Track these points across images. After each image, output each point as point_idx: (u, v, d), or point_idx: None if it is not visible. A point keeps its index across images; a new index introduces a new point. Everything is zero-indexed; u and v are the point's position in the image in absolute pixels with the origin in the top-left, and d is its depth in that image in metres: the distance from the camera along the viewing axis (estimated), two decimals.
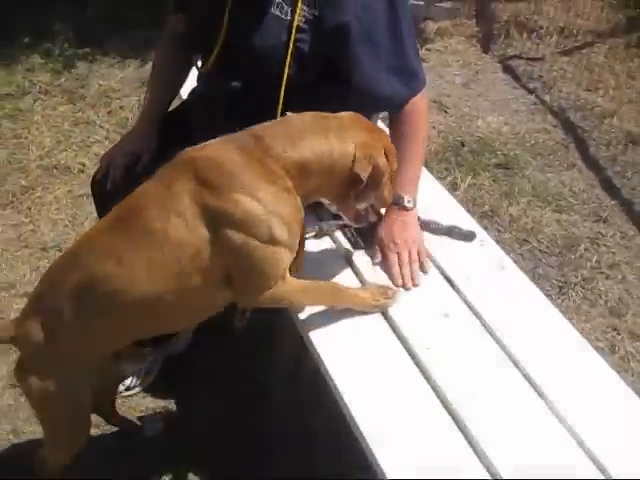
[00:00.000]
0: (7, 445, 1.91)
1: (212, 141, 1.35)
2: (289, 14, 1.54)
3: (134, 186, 1.37)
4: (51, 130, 3.20)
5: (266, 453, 1.81)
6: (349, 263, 1.62)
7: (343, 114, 1.40)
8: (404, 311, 1.48)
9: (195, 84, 1.84)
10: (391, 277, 1.56)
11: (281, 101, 1.57)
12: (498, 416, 1.26)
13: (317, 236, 1.67)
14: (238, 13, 1.57)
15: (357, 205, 1.42)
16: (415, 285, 1.55)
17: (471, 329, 1.45)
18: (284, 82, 1.57)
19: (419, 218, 1.67)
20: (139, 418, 1.95)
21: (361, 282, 1.56)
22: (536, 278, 2.35)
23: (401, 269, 1.56)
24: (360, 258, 1.62)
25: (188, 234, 1.27)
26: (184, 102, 1.97)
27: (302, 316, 1.47)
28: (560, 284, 2.36)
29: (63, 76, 3.64)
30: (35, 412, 1.58)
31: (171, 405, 2.01)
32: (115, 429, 1.88)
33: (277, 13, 1.55)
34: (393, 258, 1.57)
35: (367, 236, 1.65)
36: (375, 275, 1.57)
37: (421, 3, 4.13)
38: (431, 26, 4.13)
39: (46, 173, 2.93)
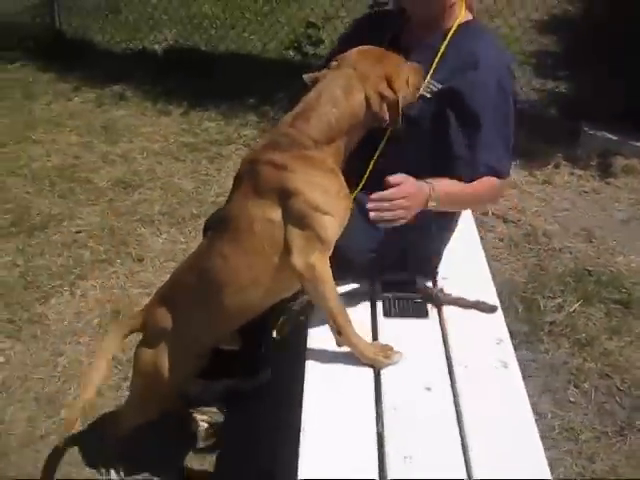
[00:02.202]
0: None
1: (260, 149, 1.78)
2: None
3: None
4: None
5: None
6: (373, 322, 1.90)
7: (351, 54, 1.79)
8: (394, 377, 1.73)
9: None
10: (371, 201, 1.71)
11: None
12: None
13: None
14: None
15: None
16: (384, 221, 1.72)
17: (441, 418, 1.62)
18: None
19: (450, 295, 1.93)
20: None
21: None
22: (601, 412, 2.40)
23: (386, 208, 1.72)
24: (385, 322, 1.90)
25: (266, 224, 1.70)
26: None
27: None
28: (623, 425, 2.38)
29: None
30: (132, 378, 2.02)
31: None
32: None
33: None
34: (388, 195, 1.72)
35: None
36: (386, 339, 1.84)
37: (614, 138, 4.25)
38: (619, 161, 4.20)
39: (216, 207, 3.51)
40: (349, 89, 1.73)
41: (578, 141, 4.27)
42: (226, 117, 4.58)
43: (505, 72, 1.94)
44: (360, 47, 1.83)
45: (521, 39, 5.84)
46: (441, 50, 1.91)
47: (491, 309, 1.95)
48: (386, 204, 1.71)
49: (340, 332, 1.74)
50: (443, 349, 1.83)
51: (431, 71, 1.90)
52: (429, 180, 1.81)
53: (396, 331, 1.88)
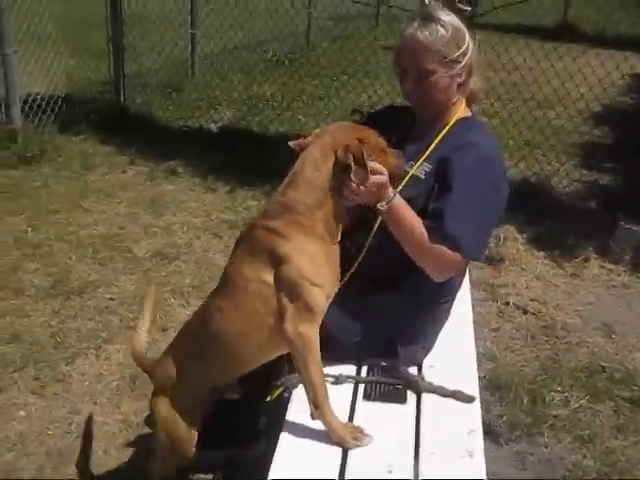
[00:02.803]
0: None
1: (258, 217, 1.95)
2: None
3: None
4: None
5: None
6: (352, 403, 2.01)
7: (330, 126, 1.96)
8: (360, 456, 1.83)
9: None
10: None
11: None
12: None
13: (336, 382, 2.08)
14: None
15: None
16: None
17: None
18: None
19: (430, 383, 2.03)
20: None
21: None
22: None
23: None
24: (363, 405, 2.01)
25: (259, 285, 1.85)
26: None
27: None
28: None
29: None
30: (158, 430, 2.14)
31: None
32: None
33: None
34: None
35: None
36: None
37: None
38: None
39: None
40: (326, 151, 1.88)
41: (613, 234, 4.31)
42: (268, 197, 4.82)
43: (496, 152, 2.07)
44: (339, 122, 2.03)
45: (573, 131, 5.98)
46: (437, 139, 2.06)
47: (469, 399, 2.02)
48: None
49: (316, 406, 1.86)
50: (414, 434, 1.91)
51: (424, 155, 2.05)
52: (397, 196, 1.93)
53: (372, 413, 1.97)
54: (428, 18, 2.02)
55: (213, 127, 6.11)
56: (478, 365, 3.11)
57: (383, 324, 2.13)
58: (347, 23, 10.42)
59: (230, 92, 7.15)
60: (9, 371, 3.03)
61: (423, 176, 2.03)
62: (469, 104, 2.20)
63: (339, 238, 1.94)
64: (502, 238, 4.18)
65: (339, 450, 1.84)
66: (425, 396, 2.06)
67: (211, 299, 2.04)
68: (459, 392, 2.04)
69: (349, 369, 2.15)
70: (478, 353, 3.20)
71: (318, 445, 1.85)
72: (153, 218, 4.53)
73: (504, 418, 2.83)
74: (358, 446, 1.84)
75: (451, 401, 2.04)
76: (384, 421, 1.95)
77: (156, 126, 6.19)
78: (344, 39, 9.72)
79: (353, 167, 1.82)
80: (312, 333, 1.84)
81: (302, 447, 1.85)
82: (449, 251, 1.95)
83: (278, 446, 1.85)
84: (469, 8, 5.35)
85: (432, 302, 2.18)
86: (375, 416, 1.97)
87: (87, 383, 2.98)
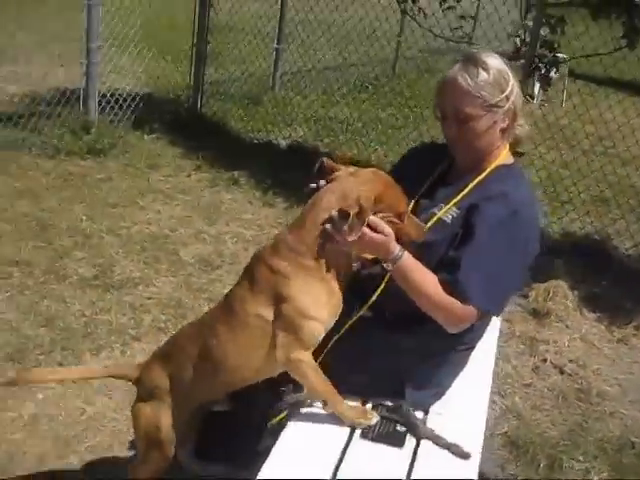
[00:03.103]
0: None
1: (266, 250, 1.94)
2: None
3: None
4: None
5: None
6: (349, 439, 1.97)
7: (361, 174, 1.93)
8: None
9: None
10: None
11: None
12: None
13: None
14: None
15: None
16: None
17: None
18: None
19: (432, 431, 1.98)
20: None
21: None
22: None
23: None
24: (359, 443, 1.97)
25: (259, 320, 1.89)
26: None
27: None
28: None
29: None
30: (136, 434, 2.17)
31: None
32: None
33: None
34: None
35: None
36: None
37: None
38: None
39: None
40: (341, 199, 1.85)
41: None
42: None
43: (528, 208, 1.99)
44: (375, 171, 1.98)
45: None
46: (471, 184, 2.02)
47: (464, 455, 1.95)
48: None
49: (325, 404, 1.97)
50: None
51: (455, 200, 2.01)
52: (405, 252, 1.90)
53: (366, 453, 1.93)
54: (471, 60, 1.98)
55: (283, 143, 6.17)
56: (502, 420, 3.07)
57: (395, 366, 2.08)
58: (437, 57, 10.39)
59: (307, 110, 7.21)
60: (36, 353, 3.11)
61: (449, 221, 1.99)
62: (512, 150, 2.15)
63: (345, 276, 1.96)
64: (552, 292, 4.05)
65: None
66: (424, 444, 2.00)
67: (210, 321, 2.05)
68: (456, 446, 1.97)
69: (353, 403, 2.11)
70: (504, 407, 3.15)
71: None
72: (206, 225, 4.59)
73: (517, 479, 2.72)
74: (368, 425, 1.96)
75: (448, 455, 1.98)
76: (376, 462, 1.91)
77: (228, 135, 6.29)
78: (431, 73, 9.68)
79: (350, 217, 1.79)
80: (304, 357, 1.88)
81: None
82: (459, 304, 1.90)
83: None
84: (533, 101, 5.26)
85: (449, 348, 2.13)
86: (369, 455, 1.92)
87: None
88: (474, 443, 2.03)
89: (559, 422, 3.10)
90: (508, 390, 3.30)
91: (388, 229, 1.87)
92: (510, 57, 4.90)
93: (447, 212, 2.00)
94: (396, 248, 1.89)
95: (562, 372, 3.47)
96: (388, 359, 2.06)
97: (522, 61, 4.60)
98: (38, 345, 3.16)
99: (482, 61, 1.97)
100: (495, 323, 2.74)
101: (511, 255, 1.93)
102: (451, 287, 1.90)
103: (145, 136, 5.89)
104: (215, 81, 6.88)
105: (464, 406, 2.20)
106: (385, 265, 1.92)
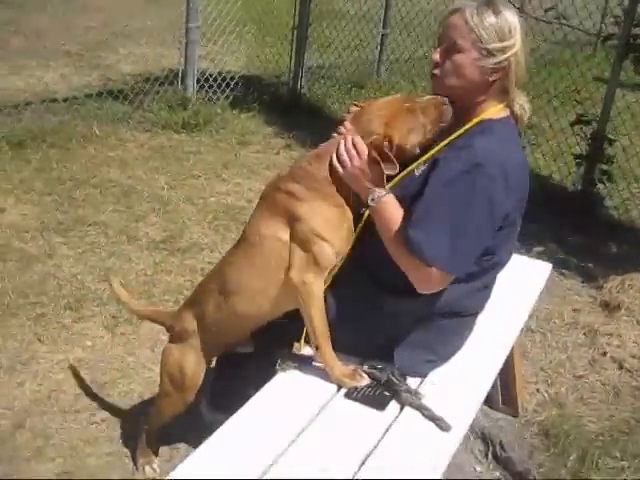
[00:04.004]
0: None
1: (280, 178, 2.02)
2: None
3: None
4: None
5: None
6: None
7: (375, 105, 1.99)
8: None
9: None
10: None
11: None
12: None
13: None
14: None
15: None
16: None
17: None
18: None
19: (418, 399, 1.96)
20: None
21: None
22: None
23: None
24: (340, 401, 1.97)
25: (274, 242, 1.95)
26: None
27: None
28: None
29: None
30: (160, 377, 2.29)
31: None
32: None
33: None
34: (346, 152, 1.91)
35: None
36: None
37: None
38: None
39: None
40: (359, 136, 1.92)
41: None
42: None
43: (497, 164, 1.85)
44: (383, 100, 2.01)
45: None
46: (448, 139, 1.94)
47: (444, 427, 1.89)
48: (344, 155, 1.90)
49: (318, 348, 1.96)
50: (375, 443, 1.84)
51: (428, 154, 1.96)
52: (386, 194, 1.92)
53: (345, 411, 1.93)
54: (487, 1, 1.90)
55: None
56: (542, 408, 2.94)
57: (381, 326, 2.07)
58: (562, 48, 9.92)
59: None
60: (93, 304, 3.32)
61: (417, 176, 1.95)
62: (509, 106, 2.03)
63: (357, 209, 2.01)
64: (627, 285, 3.82)
65: (283, 443, 1.82)
66: (407, 410, 1.97)
67: (229, 254, 2.15)
68: (440, 419, 1.91)
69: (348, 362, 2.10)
70: (547, 396, 3.03)
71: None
72: None
73: (542, 469, 2.62)
74: (354, 386, 1.97)
75: (431, 424, 1.93)
76: (352, 421, 1.91)
77: (325, 117, 6.33)
78: (556, 64, 9.26)
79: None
80: (316, 283, 1.92)
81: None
82: (421, 263, 1.87)
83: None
84: None
85: (436, 313, 2.06)
86: (346, 414, 1.93)
87: (153, 331, 3.18)
88: (462, 419, 1.97)
89: (604, 417, 2.94)
90: (557, 379, 3.16)
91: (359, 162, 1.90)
92: (604, 38, 4.65)
93: (417, 167, 1.96)
94: (376, 188, 1.90)
95: (621, 367, 3.28)
96: (374, 320, 2.05)
97: (615, 42, 4.34)
98: (97, 297, 3.36)
99: (497, 7, 1.89)
100: (525, 299, 2.65)
101: (466, 210, 1.83)
102: (408, 245, 1.87)
103: (241, 115, 6.06)
104: (317, 65, 6.95)
105: (464, 380, 2.14)
106: (369, 201, 1.93)
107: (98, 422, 2.65)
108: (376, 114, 1.96)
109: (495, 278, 2.17)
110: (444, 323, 2.08)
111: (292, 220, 1.94)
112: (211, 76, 5.93)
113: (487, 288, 2.13)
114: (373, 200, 1.91)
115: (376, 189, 1.91)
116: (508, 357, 2.51)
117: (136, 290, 3.44)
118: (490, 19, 1.88)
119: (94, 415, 2.68)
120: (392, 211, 1.91)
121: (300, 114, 6.26)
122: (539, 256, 3.90)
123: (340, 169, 1.92)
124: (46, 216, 4.06)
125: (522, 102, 2.01)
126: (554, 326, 3.53)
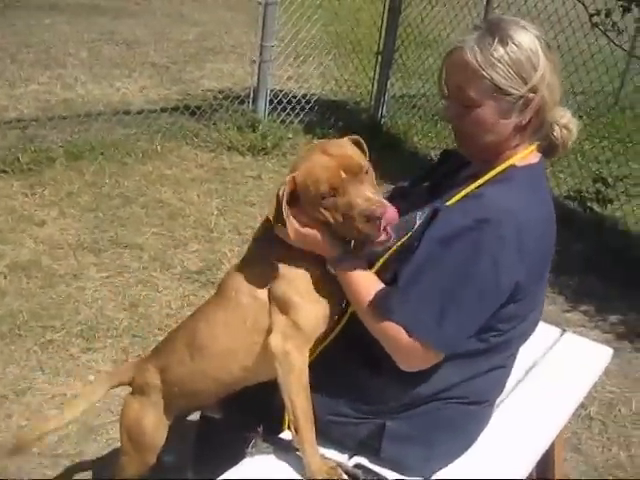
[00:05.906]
0: None
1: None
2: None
3: None
4: None
5: None
6: None
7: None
8: None
9: None
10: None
11: None
12: None
13: None
14: None
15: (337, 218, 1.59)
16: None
17: None
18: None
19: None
20: None
21: None
22: None
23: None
24: None
25: (249, 299, 1.73)
26: None
27: None
28: None
29: None
30: (120, 431, 2.06)
31: None
32: None
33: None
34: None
35: None
36: None
37: None
38: None
39: None
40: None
41: None
42: None
43: (510, 218, 1.52)
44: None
45: None
46: (468, 188, 1.63)
47: None
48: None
49: (297, 432, 1.66)
50: None
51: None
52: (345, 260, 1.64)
53: None
54: (491, 29, 1.57)
55: None
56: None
57: (363, 408, 1.76)
58: None
59: None
60: (107, 334, 3.16)
61: (415, 228, 1.63)
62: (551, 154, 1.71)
63: None
64: None
65: None
66: None
67: (203, 304, 1.92)
68: None
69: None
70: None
71: None
72: None
73: None
74: None
75: None
76: None
77: (406, 150, 6.05)
78: None
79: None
80: (298, 355, 1.66)
81: None
82: (401, 333, 1.55)
83: None
84: None
85: (426, 396, 1.71)
86: None
87: None
88: None
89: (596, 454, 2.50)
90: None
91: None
92: None
93: (422, 216, 1.64)
94: (335, 248, 1.63)
95: None
96: (357, 401, 1.75)
97: None
98: (112, 327, 3.20)
99: (502, 32, 1.55)
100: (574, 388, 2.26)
101: (464, 273, 1.51)
102: (388, 316, 1.57)
103: (314, 140, 5.83)
104: (400, 93, 6.65)
105: None
106: (329, 266, 1.67)
107: (76, 471, 2.46)
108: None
109: (512, 359, 1.83)
110: (439, 412, 1.73)
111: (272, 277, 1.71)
112: (285, 98, 5.75)
113: (498, 371, 1.77)
114: (333, 267, 1.66)
115: (335, 253, 1.64)
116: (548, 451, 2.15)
117: (156, 322, 3.26)
118: (499, 52, 1.55)
119: (73, 461, 2.49)
120: (357, 278, 1.62)
121: (379, 145, 5.94)
122: (613, 328, 3.49)
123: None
124: (84, 233, 3.96)
125: (565, 122, 1.66)
126: (618, 416, 3.08)
